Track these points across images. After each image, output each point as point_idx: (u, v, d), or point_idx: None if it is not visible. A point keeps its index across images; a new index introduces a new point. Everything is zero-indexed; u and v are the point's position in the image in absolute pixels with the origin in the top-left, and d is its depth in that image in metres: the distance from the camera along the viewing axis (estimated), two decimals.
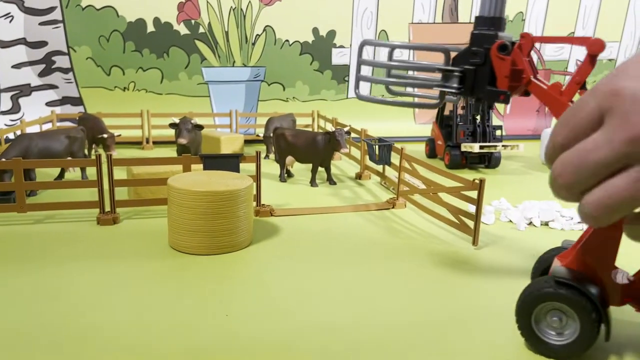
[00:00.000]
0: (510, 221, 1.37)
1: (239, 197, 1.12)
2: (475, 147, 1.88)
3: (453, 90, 0.75)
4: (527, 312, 0.73)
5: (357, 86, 0.85)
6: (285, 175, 1.80)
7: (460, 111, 2.03)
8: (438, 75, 0.78)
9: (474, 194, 1.14)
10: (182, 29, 2.44)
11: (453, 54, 0.77)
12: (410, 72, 0.87)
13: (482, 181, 1.12)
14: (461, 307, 0.89)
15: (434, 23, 2.71)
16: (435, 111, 2.22)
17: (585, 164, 0.50)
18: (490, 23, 0.74)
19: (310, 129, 2.48)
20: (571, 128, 0.51)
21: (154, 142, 2.37)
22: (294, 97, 2.66)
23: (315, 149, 1.67)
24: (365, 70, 0.84)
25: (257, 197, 1.37)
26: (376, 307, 0.88)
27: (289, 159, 1.75)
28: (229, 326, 0.82)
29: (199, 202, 1.09)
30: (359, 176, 1.83)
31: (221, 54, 2.51)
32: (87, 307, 0.86)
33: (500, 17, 0.75)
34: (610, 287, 0.70)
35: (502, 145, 1.92)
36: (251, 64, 2.56)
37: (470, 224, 1.17)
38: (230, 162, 1.32)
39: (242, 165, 1.37)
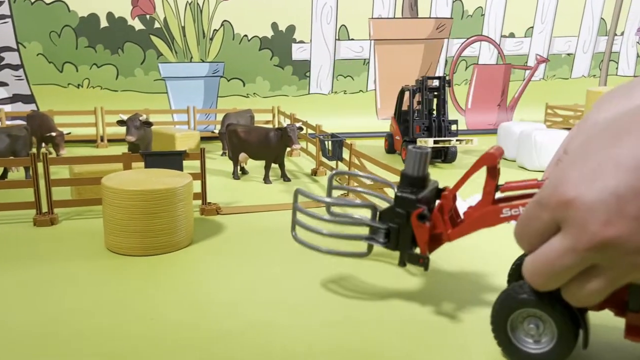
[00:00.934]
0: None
1: (176, 196, 1.09)
2: (429, 142, 1.88)
3: (380, 244, 0.79)
4: (502, 320, 0.70)
5: (293, 228, 0.86)
6: (240, 172, 1.77)
7: (416, 106, 2.02)
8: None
9: None
10: (137, 24, 2.39)
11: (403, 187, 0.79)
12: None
13: None
14: (405, 306, 0.88)
15: (394, 18, 2.70)
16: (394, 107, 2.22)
17: (553, 271, 0.55)
18: (413, 184, 0.77)
19: (270, 126, 2.46)
20: (528, 241, 0.54)
21: (110, 140, 2.32)
22: (254, 93, 2.63)
23: (268, 145, 1.65)
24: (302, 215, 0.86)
25: (203, 195, 1.34)
26: (314, 308, 0.86)
27: (242, 155, 1.72)
28: (151, 331, 0.79)
29: (132, 201, 1.05)
30: (314, 172, 1.81)
31: (178, 50, 2.47)
32: (7, 310, 0.83)
33: (423, 176, 0.77)
34: None
35: (457, 140, 1.92)
36: (209, 59, 2.52)
37: None
38: (173, 160, 1.29)
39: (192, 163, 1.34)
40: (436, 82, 2.00)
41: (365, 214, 0.83)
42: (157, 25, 2.41)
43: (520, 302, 0.68)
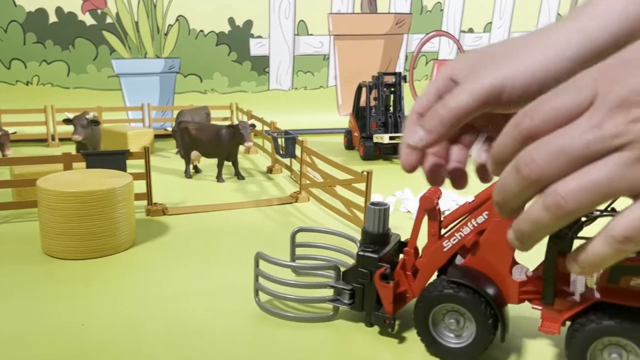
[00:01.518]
0: (409, 212, 1.36)
1: (115, 197, 1.05)
2: (385, 138, 1.88)
3: (345, 306, 0.77)
4: (424, 315, 0.71)
5: (256, 294, 0.83)
6: (192, 170, 1.73)
7: (373, 102, 2.02)
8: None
9: (362, 186, 1.12)
10: (88, 19, 2.32)
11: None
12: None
13: (369, 173, 1.10)
14: None
15: (353, 13, 2.69)
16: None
17: (569, 149, 0.45)
18: (375, 241, 0.77)
19: (229, 122, 2.42)
20: (555, 111, 0.45)
21: (61, 139, 2.24)
22: (212, 89, 2.59)
23: (220, 143, 1.61)
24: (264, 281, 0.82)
25: (148, 196, 1.30)
26: (250, 308, 0.84)
27: (194, 153, 1.68)
28: (81, 336, 0.76)
29: (69, 203, 1.01)
30: (270, 170, 1.79)
31: (132, 45, 2.41)
32: None
33: (384, 233, 0.78)
34: (508, 285, 0.69)
35: None
36: (165, 55, 2.46)
37: (361, 215, 1.15)
38: (116, 160, 1.25)
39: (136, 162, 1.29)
40: (392, 78, 2.00)
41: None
42: (109, 20, 2.34)
43: (439, 298, 0.69)
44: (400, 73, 2.00)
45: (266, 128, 1.90)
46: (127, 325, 0.79)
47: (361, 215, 1.15)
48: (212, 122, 2.15)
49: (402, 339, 0.76)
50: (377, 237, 0.77)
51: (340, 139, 2.35)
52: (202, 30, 2.48)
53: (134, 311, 0.84)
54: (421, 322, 0.71)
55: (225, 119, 2.44)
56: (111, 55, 2.39)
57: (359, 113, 2.12)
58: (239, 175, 1.69)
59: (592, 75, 0.45)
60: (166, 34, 2.44)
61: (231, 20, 2.51)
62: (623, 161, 0.42)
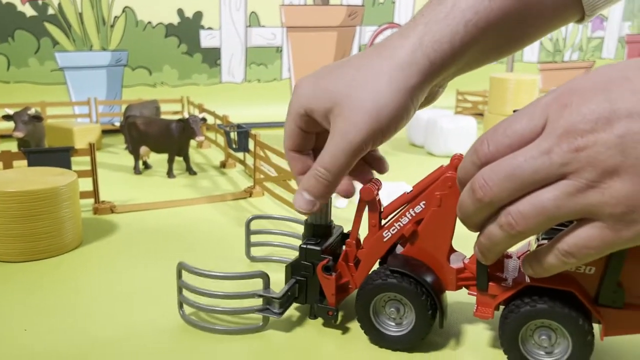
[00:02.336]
0: None
1: (59, 196, 1.01)
2: None
3: (275, 315, 0.75)
4: (365, 305, 0.71)
5: (180, 307, 0.79)
6: (142, 166, 1.69)
7: None
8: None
9: None
10: (28, 10, 2.21)
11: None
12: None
13: None
14: None
15: (306, 5, 2.67)
16: None
17: (519, 173, 0.47)
18: (317, 233, 0.77)
19: (180, 116, 2.36)
20: (508, 138, 0.48)
21: (2, 136, 2.14)
22: (162, 82, 2.52)
23: (170, 138, 1.57)
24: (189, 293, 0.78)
25: (95, 193, 1.26)
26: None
27: (143, 149, 1.64)
28: (23, 342, 0.72)
29: (9, 203, 0.97)
30: (223, 165, 1.76)
31: (76, 38, 2.31)
32: None
33: (326, 225, 0.78)
34: (446, 272, 0.70)
35: None
36: (111, 47, 2.38)
37: None
38: (60, 157, 1.20)
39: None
40: None
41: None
42: (51, 11, 2.24)
43: (379, 287, 0.70)
44: None
45: (218, 122, 1.86)
46: (72, 330, 0.76)
47: None
48: (163, 116, 2.09)
49: (345, 330, 0.76)
50: (319, 229, 0.77)
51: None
52: (150, 22, 2.41)
53: (80, 315, 0.80)
54: (363, 312, 0.72)
55: (176, 112, 2.38)
56: (54, 48, 2.29)
57: None
58: (190, 171, 1.65)
59: (545, 101, 0.48)
60: (112, 26, 2.35)
61: (180, 12, 2.45)
62: (569, 190, 0.45)
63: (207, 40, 2.53)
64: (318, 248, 0.75)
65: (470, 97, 2.78)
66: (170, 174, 1.61)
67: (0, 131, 2.14)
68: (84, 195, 1.19)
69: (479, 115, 2.49)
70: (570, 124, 0.44)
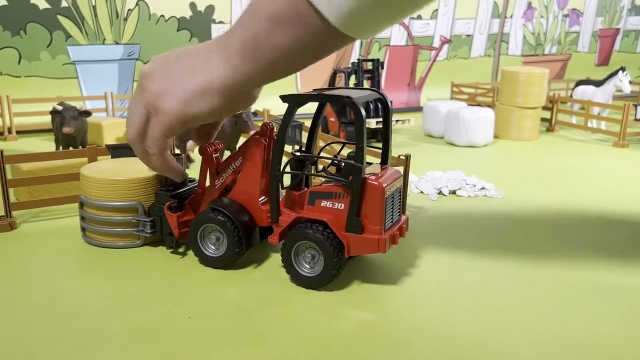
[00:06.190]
0: (422, 192, 1.44)
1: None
2: (372, 123, 1.94)
3: (148, 234, 0.99)
4: (194, 232, 0.93)
5: (83, 231, 1.05)
6: (188, 162, 1.70)
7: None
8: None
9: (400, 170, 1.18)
10: (41, 3, 2.17)
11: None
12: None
13: (407, 157, 1.16)
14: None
15: None
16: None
17: (155, 136, 0.83)
18: (174, 184, 0.99)
19: None
20: (136, 128, 0.83)
21: (18, 132, 2.10)
22: None
23: (222, 132, 1.60)
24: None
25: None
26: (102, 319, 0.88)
27: (190, 143, 1.65)
28: None
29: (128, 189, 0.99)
30: None
31: (89, 31, 2.28)
32: None
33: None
34: (257, 210, 0.93)
35: (395, 120, 2.00)
36: (124, 41, 2.36)
37: None
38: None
39: None
40: (370, 65, 2.06)
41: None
42: (64, 4, 2.20)
43: (203, 219, 0.92)
44: (378, 60, 2.07)
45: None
46: None
47: None
48: None
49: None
50: (174, 180, 0.98)
51: (306, 123, 2.38)
52: (162, 15, 2.40)
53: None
54: (193, 238, 0.93)
55: None
56: (67, 42, 2.25)
57: None
58: None
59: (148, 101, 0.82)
60: (125, 19, 2.33)
61: (192, 5, 2.45)
62: (154, 121, 0.81)
63: (218, 33, 2.54)
64: (167, 194, 0.96)
65: (465, 88, 2.91)
66: None
67: (16, 127, 2.10)
68: None
69: (477, 105, 2.61)
70: (140, 80, 0.84)
